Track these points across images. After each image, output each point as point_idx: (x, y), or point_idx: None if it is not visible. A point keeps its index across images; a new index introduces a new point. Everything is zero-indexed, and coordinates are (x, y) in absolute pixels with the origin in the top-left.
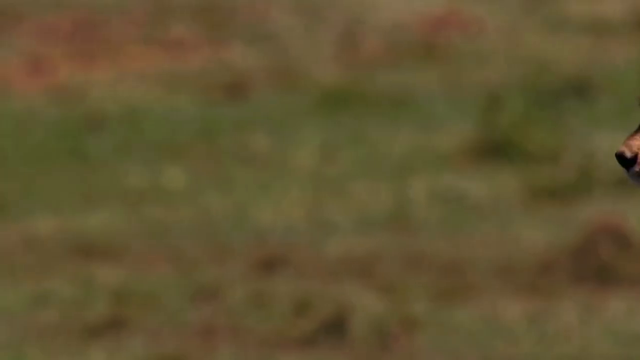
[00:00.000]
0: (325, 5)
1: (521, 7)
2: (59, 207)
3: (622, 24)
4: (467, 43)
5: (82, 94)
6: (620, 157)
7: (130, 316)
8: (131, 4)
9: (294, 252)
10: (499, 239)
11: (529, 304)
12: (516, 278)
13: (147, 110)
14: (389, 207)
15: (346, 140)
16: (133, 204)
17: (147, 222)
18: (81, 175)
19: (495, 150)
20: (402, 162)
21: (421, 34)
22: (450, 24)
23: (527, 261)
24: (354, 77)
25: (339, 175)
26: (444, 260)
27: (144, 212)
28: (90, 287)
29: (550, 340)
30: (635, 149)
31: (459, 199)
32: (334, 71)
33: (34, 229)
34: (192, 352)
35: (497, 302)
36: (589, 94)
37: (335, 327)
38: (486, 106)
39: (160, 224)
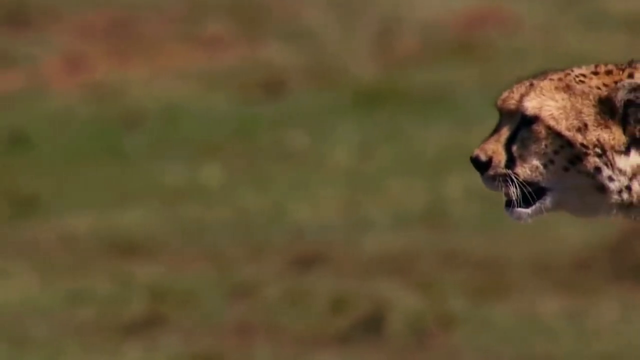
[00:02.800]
0: (362, 3)
1: (558, 4)
2: (95, 205)
3: None
4: (504, 40)
5: (119, 92)
6: (475, 160)
7: (167, 314)
8: (168, 2)
9: (331, 249)
10: (537, 236)
11: (567, 302)
12: (554, 275)
13: (183, 108)
14: (425, 204)
15: (383, 138)
16: (170, 202)
17: (184, 220)
18: (118, 173)
19: None
20: (438, 159)
21: (458, 32)
22: (487, 21)
23: (565, 259)
24: (390, 74)
25: (375, 172)
26: (480, 257)
27: (180, 210)
28: (127, 285)
29: (589, 337)
30: (489, 152)
31: (495, 195)
32: (370, 69)
33: (71, 227)
34: (228, 350)
35: (535, 299)
36: None
37: (372, 325)
38: None
39: (197, 222)
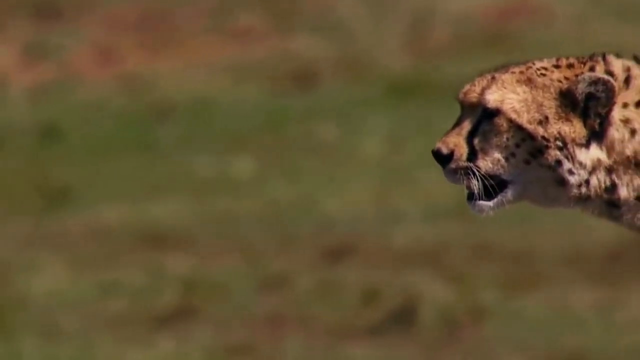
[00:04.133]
0: None
1: None
2: (127, 197)
3: None
4: (535, 32)
5: (150, 84)
6: (437, 154)
7: (199, 306)
8: None
9: (362, 241)
10: (568, 228)
11: (598, 294)
12: (585, 267)
13: (214, 100)
14: (456, 196)
15: (414, 130)
16: (200, 194)
17: (215, 212)
18: (149, 165)
19: None
20: None
21: (489, 24)
22: (519, 13)
23: (596, 251)
24: (421, 66)
25: (406, 164)
26: (512, 249)
27: (211, 202)
28: (158, 277)
29: (620, 329)
30: (451, 145)
31: None
32: (401, 61)
33: (102, 219)
34: (259, 341)
35: (566, 291)
36: None
37: (403, 317)
38: None
39: (227, 213)
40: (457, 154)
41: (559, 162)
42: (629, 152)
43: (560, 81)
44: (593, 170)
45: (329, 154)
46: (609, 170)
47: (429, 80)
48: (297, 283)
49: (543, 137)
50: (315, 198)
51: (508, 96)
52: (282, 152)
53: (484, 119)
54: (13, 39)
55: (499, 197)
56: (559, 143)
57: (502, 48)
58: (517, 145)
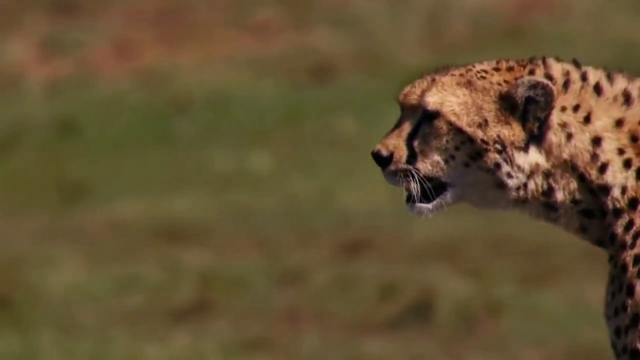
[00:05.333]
0: None
1: None
2: (145, 191)
3: None
4: (552, 26)
5: (168, 78)
6: (376, 156)
7: (216, 300)
8: None
9: (379, 236)
10: None
11: None
12: (602, 262)
13: (232, 94)
14: None
15: None
16: (219, 188)
17: (233, 206)
18: (167, 159)
19: None
20: None
21: (506, 18)
22: (536, 7)
23: None
24: (439, 60)
25: None
26: (529, 244)
27: (229, 197)
28: (176, 271)
29: None
30: (391, 147)
31: None
32: (419, 55)
33: (120, 213)
34: (276, 336)
35: (583, 286)
36: None
37: (421, 311)
38: None
39: (245, 208)
40: (396, 156)
41: (497, 165)
42: (566, 155)
43: (500, 84)
44: (531, 174)
45: (347, 148)
46: (547, 174)
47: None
48: (315, 277)
49: (482, 140)
50: (333, 192)
51: (448, 99)
52: (299, 146)
53: (424, 121)
54: (30, 33)
55: (438, 199)
56: (498, 146)
57: (518, 42)
58: (457, 148)
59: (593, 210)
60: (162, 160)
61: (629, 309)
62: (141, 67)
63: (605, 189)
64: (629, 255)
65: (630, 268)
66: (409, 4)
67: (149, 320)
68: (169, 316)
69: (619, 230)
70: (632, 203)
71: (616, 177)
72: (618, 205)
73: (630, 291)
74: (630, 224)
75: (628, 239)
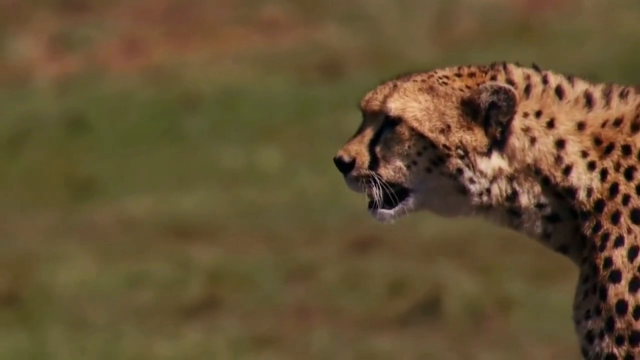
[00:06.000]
0: None
1: None
2: (154, 188)
3: None
4: (562, 22)
5: (177, 75)
6: (338, 161)
7: (226, 297)
8: None
9: (389, 232)
10: None
11: None
12: None
13: (241, 90)
14: None
15: None
16: (228, 185)
17: (242, 202)
18: (176, 156)
19: None
20: None
21: (516, 14)
22: (545, 3)
23: None
24: (448, 56)
25: None
26: None
27: (238, 193)
28: (185, 268)
29: None
30: (353, 153)
31: None
32: (428, 51)
33: (130, 210)
34: (286, 332)
35: None
36: None
37: (430, 308)
38: None
39: (255, 204)
40: (358, 162)
41: (460, 171)
42: (529, 160)
43: (462, 90)
44: (494, 179)
45: None
46: (510, 179)
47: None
48: (324, 274)
49: (444, 146)
50: (342, 188)
51: (410, 104)
52: (309, 142)
53: (386, 127)
54: (40, 31)
55: (400, 205)
56: (461, 152)
57: (528, 38)
58: (419, 154)
59: (559, 214)
60: (172, 157)
61: (602, 312)
62: (150, 64)
63: (571, 191)
64: (599, 258)
65: (601, 271)
66: (418, 0)
67: (159, 317)
68: (179, 312)
69: (588, 232)
70: (598, 205)
71: (581, 179)
72: (584, 209)
73: (603, 294)
74: (597, 226)
75: (597, 240)
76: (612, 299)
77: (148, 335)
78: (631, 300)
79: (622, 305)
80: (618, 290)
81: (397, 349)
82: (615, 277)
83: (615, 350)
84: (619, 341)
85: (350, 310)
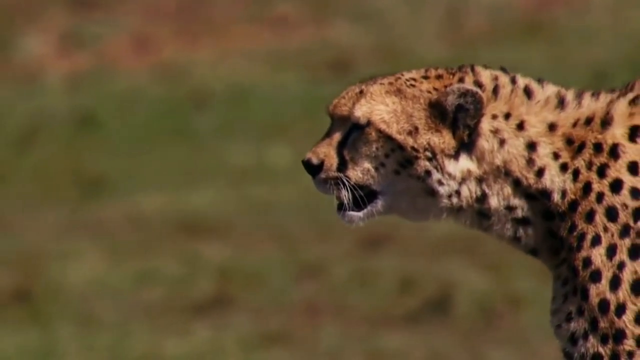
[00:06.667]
0: None
1: None
2: (163, 185)
3: None
4: (572, 20)
5: (186, 73)
6: (307, 164)
7: (235, 294)
8: None
9: (399, 230)
10: None
11: None
12: None
13: (251, 88)
14: None
15: None
16: (237, 182)
17: (252, 200)
18: (186, 154)
19: None
20: None
21: (525, 11)
22: (555, 1)
23: None
24: (457, 54)
25: None
26: None
27: (248, 191)
28: (195, 265)
29: None
30: (321, 155)
31: None
32: (438, 48)
33: (139, 207)
34: (296, 329)
35: None
36: None
37: (440, 305)
38: (592, 83)
39: (264, 202)
40: (327, 164)
41: (428, 173)
42: (498, 161)
43: (429, 92)
44: (463, 181)
45: None
46: (479, 180)
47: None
48: (334, 271)
49: (412, 148)
50: None
51: (377, 107)
52: (319, 140)
53: (354, 129)
54: (50, 27)
55: (369, 207)
56: (429, 154)
57: (537, 36)
58: (387, 156)
59: (529, 217)
60: (181, 155)
61: (585, 313)
62: (160, 61)
63: (546, 193)
64: (577, 259)
65: (581, 272)
66: None
67: (169, 314)
68: (188, 310)
69: (564, 233)
70: (572, 206)
71: (554, 181)
72: (560, 210)
73: (585, 295)
74: (573, 227)
75: (573, 241)
76: (594, 299)
77: (157, 332)
78: (613, 299)
79: (604, 304)
80: (599, 290)
81: (407, 347)
82: (596, 276)
83: (601, 350)
84: (604, 340)
85: (360, 308)
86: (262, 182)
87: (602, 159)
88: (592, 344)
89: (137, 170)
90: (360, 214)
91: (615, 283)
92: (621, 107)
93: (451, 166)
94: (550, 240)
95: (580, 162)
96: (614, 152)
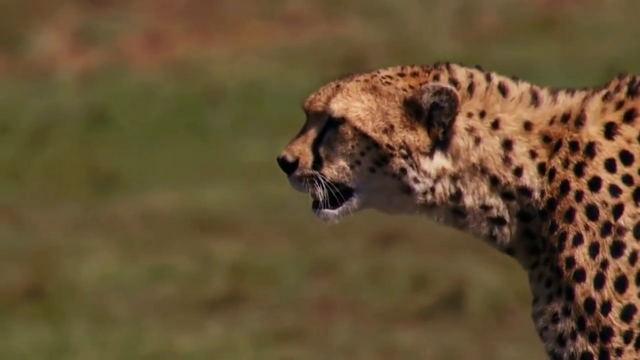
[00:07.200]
0: None
1: None
2: (177, 182)
3: None
4: (584, 16)
5: (200, 70)
6: (282, 161)
7: (248, 291)
8: None
9: (412, 227)
10: None
11: None
12: None
13: (264, 85)
14: None
15: None
16: (251, 179)
17: (265, 197)
18: (199, 150)
19: None
20: None
21: (538, 8)
22: None
23: None
24: (471, 51)
25: None
26: None
27: (261, 187)
28: (208, 262)
29: None
30: (297, 153)
31: None
32: (450, 45)
33: (152, 204)
34: (309, 326)
35: None
36: None
37: (453, 302)
38: (605, 79)
39: (277, 198)
40: (302, 162)
41: (403, 171)
42: (474, 159)
43: (405, 90)
44: (438, 179)
45: None
46: (454, 178)
47: (478, 64)
48: (347, 268)
49: (388, 146)
50: None
51: (353, 104)
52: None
53: (330, 127)
54: (63, 24)
55: (345, 205)
56: (404, 151)
57: (550, 33)
58: (362, 154)
59: (504, 217)
60: (194, 151)
61: (572, 312)
62: (173, 58)
63: (527, 191)
64: (560, 259)
65: (565, 272)
66: None
67: (182, 311)
68: (201, 307)
69: (545, 233)
70: (551, 204)
71: (534, 182)
72: (540, 208)
73: (570, 295)
74: (553, 226)
75: (554, 241)
76: (580, 298)
77: (170, 329)
78: (598, 297)
79: (590, 303)
80: (584, 289)
81: (420, 343)
82: (580, 276)
83: (589, 349)
84: (592, 339)
85: (373, 305)
86: (275, 179)
87: (579, 157)
88: (581, 344)
89: (150, 167)
90: (336, 211)
91: (599, 281)
92: (594, 104)
93: (426, 164)
94: (526, 240)
95: (556, 161)
96: (590, 150)
